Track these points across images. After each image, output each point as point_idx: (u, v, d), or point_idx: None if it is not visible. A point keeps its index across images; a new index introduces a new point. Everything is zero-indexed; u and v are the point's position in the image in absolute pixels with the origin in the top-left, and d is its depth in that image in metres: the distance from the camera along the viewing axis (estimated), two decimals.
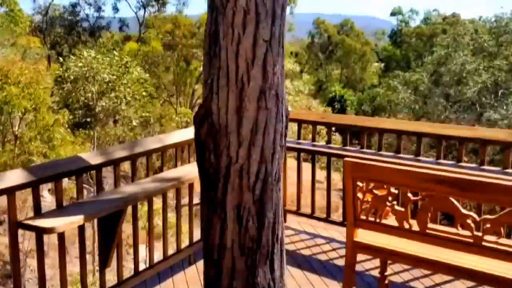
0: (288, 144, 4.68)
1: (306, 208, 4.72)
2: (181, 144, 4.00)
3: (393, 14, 61.79)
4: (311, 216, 4.61)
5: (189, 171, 3.80)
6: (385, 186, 2.81)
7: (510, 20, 28.23)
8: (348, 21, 55.09)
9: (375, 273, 3.43)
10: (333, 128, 4.59)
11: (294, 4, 36.03)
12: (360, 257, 3.06)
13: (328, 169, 4.49)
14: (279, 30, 2.72)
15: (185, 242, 4.08)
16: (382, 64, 50.57)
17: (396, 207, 2.78)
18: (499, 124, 23.81)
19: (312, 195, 4.55)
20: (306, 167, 4.57)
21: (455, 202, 2.56)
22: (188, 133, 3.66)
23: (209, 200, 2.81)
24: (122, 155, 3.51)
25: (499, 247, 2.46)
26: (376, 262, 3.43)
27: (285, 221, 4.76)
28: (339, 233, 4.37)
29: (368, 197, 2.86)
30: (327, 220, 4.41)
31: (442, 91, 26.95)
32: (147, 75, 25.39)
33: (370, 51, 50.85)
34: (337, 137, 17.40)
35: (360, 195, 2.86)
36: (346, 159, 2.89)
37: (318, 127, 4.82)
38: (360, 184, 2.86)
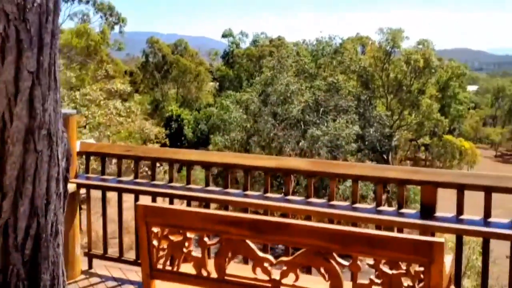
0: (91, 182, 4.25)
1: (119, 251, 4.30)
2: None
3: (224, 36, 64.03)
4: (119, 259, 4.20)
5: None
6: (180, 231, 2.57)
7: (327, 44, 31.17)
8: (182, 40, 55.55)
9: None
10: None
11: (124, 23, 35.12)
12: None
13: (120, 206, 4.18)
14: (49, 60, 2.33)
15: None
16: (217, 84, 51.83)
17: (193, 253, 2.56)
18: (321, 139, 25.92)
19: (119, 236, 4.17)
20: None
21: (252, 245, 2.42)
22: None
23: None
24: None
25: None
26: None
27: (90, 267, 4.31)
28: None
29: (164, 244, 2.60)
30: (137, 262, 4.03)
31: (271, 110, 28.39)
32: None
33: (204, 71, 51.77)
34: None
35: (155, 242, 2.59)
36: (138, 203, 2.61)
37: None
38: (155, 230, 2.59)
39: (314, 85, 28.35)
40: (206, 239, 2.53)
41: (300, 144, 27.14)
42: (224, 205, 3.80)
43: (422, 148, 48.35)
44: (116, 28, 34.95)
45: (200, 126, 38.48)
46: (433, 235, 3.20)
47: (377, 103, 32.88)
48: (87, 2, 33.63)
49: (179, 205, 2.96)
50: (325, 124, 26.21)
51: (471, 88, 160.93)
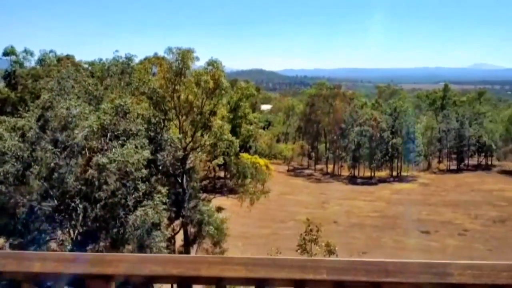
0: None
1: None
2: None
3: (6, 54, 57.58)
4: None
5: None
6: None
7: (112, 64, 29.45)
8: None
9: None
10: None
11: None
12: None
13: None
14: None
15: None
16: None
17: None
18: (108, 167, 24.08)
19: None
20: None
21: None
22: None
23: None
24: None
25: None
26: None
27: None
28: None
29: None
30: None
31: (51, 136, 25.58)
32: None
33: None
34: None
35: None
36: None
37: None
38: None
39: (100, 108, 26.41)
40: None
41: (87, 173, 24.93)
42: None
43: (221, 167, 49.53)
44: None
45: None
46: None
47: (170, 125, 32.21)
48: None
49: None
50: (112, 151, 24.47)
51: (265, 107, 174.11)
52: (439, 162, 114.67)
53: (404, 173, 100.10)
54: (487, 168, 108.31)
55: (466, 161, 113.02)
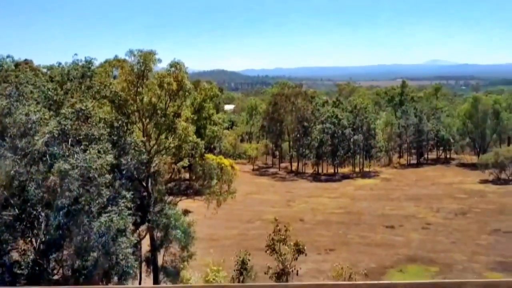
0: None
1: None
2: None
3: None
4: None
5: None
6: None
7: (72, 68, 28.67)
8: None
9: None
10: None
11: None
12: None
13: None
14: None
15: None
16: None
17: None
18: (70, 173, 23.40)
19: None
20: None
21: None
22: None
23: None
24: None
25: None
26: None
27: None
28: None
29: None
30: None
31: (10, 143, 24.69)
32: None
33: None
34: None
35: None
36: None
37: None
38: None
39: (61, 114, 25.65)
40: None
41: (49, 180, 24.16)
42: None
43: (187, 169, 48.98)
44: None
45: None
46: None
47: (133, 128, 31.61)
48: None
49: None
50: (75, 156, 23.79)
51: (229, 107, 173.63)
52: (400, 157, 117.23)
53: (366, 169, 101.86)
54: (446, 161, 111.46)
55: (425, 155, 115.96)
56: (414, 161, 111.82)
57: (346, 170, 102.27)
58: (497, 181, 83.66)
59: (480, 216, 60.36)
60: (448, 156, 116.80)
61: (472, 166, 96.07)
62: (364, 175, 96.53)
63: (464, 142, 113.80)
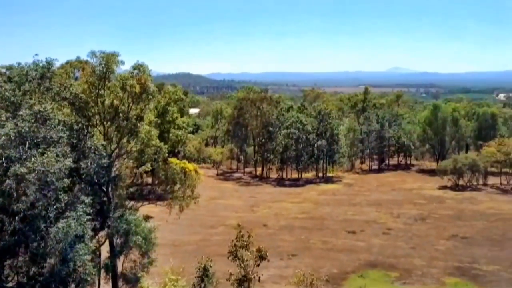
0: None
1: None
2: None
3: None
4: None
5: None
6: None
7: (31, 69, 27.80)
8: None
9: None
10: None
11: None
12: None
13: None
14: None
15: None
16: None
17: None
18: (27, 177, 22.64)
19: None
20: None
21: None
22: None
23: None
24: None
25: None
26: None
27: None
28: None
29: None
30: None
31: None
32: None
33: None
34: None
35: None
36: None
37: None
38: None
39: (18, 115, 24.78)
40: None
41: (4, 184, 23.29)
42: None
43: (149, 173, 48.25)
44: None
45: None
46: None
47: (94, 131, 30.88)
48: None
49: None
50: (32, 160, 23.02)
51: (193, 111, 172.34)
52: (362, 162, 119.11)
53: (329, 174, 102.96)
54: (407, 167, 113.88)
55: (387, 161, 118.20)
56: (375, 167, 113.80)
57: (309, 175, 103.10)
58: (455, 187, 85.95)
59: (438, 222, 61.79)
60: (408, 162, 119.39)
61: (432, 172, 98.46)
62: (327, 180, 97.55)
63: (424, 149, 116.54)
